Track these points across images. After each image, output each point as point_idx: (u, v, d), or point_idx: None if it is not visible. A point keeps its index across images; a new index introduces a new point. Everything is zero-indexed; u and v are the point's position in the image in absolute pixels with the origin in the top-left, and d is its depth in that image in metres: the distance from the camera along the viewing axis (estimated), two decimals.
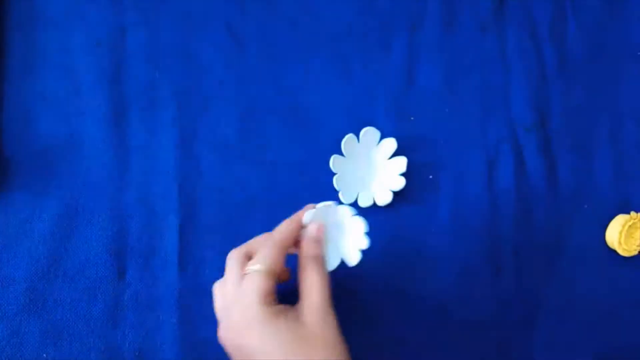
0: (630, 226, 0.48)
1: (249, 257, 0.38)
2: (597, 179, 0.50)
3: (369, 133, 0.46)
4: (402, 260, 0.46)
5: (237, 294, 0.36)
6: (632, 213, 0.48)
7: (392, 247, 0.46)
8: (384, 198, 0.46)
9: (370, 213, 0.46)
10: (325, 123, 0.48)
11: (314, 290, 0.36)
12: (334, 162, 0.45)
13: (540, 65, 0.51)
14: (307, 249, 0.38)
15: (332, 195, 0.45)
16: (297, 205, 0.45)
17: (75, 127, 0.46)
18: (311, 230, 0.39)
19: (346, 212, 0.40)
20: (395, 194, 0.46)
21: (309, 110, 0.48)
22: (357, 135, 0.46)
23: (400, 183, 0.46)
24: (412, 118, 0.48)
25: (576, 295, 0.47)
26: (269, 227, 0.45)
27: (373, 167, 0.47)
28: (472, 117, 0.49)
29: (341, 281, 0.45)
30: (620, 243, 0.48)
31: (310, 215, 0.39)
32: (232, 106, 0.47)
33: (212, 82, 0.47)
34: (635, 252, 0.48)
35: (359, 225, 0.40)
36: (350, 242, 0.41)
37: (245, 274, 0.36)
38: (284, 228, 0.38)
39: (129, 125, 0.46)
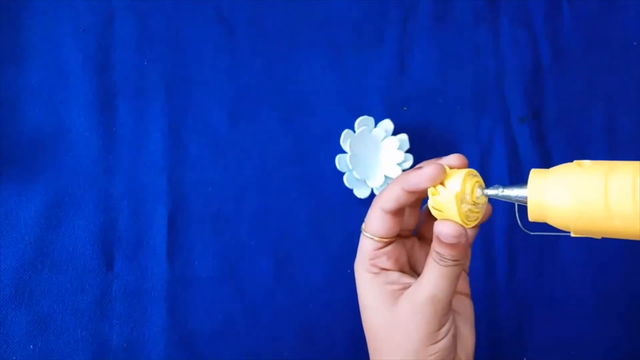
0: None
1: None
2: None
3: (366, 121, 0.46)
4: None
5: (358, 255, 0.34)
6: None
7: None
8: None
9: (362, 205, 0.45)
10: (316, 112, 0.47)
11: (427, 280, 0.31)
12: (343, 156, 0.45)
13: (534, 57, 0.50)
14: (434, 245, 0.31)
15: (325, 185, 0.45)
16: (289, 195, 0.45)
17: (62, 116, 0.45)
18: (443, 232, 0.30)
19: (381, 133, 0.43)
20: None
21: (300, 100, 0.47)
22: (351, 128, 0.46)
23: (409, 161, 0.46)
24: (404, 108, 0.48)
25: (570, 291, 0.47)
26: (259, 217, 0.45)
27: (378, 151, 0.47)
28: (466, 107, 0.49)
29: (331, 274, 0.45)
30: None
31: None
32: (222, 95, 0.47)
33: (202, 71, 0.47)
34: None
35: (394, 143, 0.43)
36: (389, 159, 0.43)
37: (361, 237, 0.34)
38: (386, 191, 0.33)
39: (117, 114, 0.45)
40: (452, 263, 0.31)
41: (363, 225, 0.34)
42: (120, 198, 0.44)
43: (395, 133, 0.47)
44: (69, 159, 0.44)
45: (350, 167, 0.45)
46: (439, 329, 0.32)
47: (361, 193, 0.45)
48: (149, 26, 0.47)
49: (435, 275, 0.31)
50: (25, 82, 0.45)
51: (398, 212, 0.33)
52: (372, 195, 0.46)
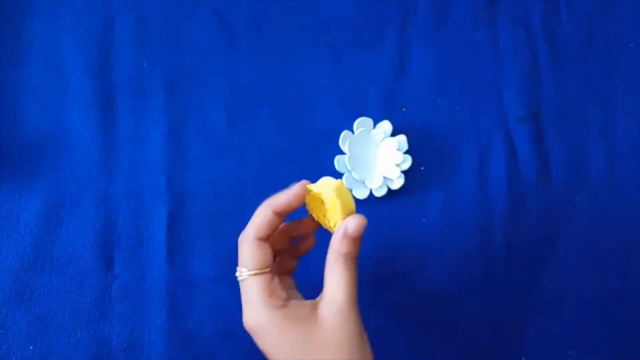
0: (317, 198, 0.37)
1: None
2: (589, 170, 0.49)
3: (364, 122, 0.46)
4: (392, 253, 0.46)
5: (243, 296, 0.35)
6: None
7: (382, 240, 0.46)
8: (398, 182, 0.46)
9: (361, 205, 0.45)
10: (316, 113, 0.48)
11: (339, 288, 0.33)
12: (341, 157, 0.45)
13: (532, 57, 0.50)
14: (340, 246, 0.33)
15: None
16: None
17: (62, 117, 0.45)
18: (351, 227, 0.33)
19: (380, 133, 0.44)
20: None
21: (299, 101, 0.48)
22: (350, 129, 0.46)
23: (408, 162, 0.46)
24: (403, 109, 0.48)
25: (568, 289, 0.47)
26: None
27: (377, 152, 0.47)
28: (464, 108, 0.49)
29: None
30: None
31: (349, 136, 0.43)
32: (222, 96, 0.47)
33: (202, 71, 0.47)
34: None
35: (393, 144, 0.44)
36: (388, 160, 0.44)
37: (240, 281, 0.34)
38: (257, 219, 0.35)
39: (117, 115, 0.45)
40: (354, 261, 0.34)
41: (241, 270, 0.34)
42: (120, 199, 0.44)
43: (394, 134, 0.47)
44: (69, 159, 0.44)
45: (349, 168, 0.45)
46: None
47: (360, 194, 0.46)
48: (148, 27, 0.47)
49: (349, 278, 0.33)
50: (25, 83, 0.45)
51: (268, 239, 0.35)
52: (371, 196, 0.46)
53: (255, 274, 0.34)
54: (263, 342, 0.33)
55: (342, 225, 0.34)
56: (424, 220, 0.47)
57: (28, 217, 0.43)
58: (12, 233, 0.43)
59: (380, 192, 0.46)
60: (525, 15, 0.51)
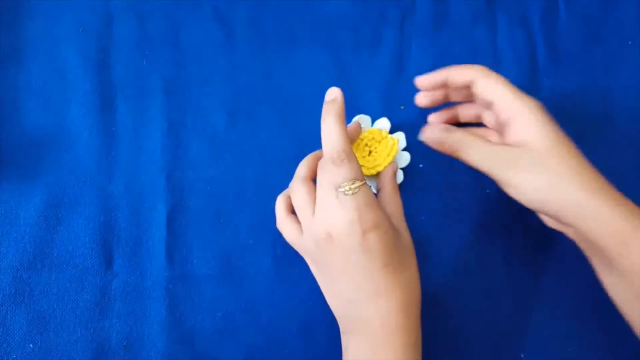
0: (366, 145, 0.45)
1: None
2: None
3: (362, 120, 0.46)
4: None
5: (353, 208, 0.35)
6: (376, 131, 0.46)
7: None
8: (397, 178, 0.46)
9: None
10: (315, 112, 0.47)
11: (393, 205, 0.41)
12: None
13: (531, 56, 0.51)
14: (387, 181, 0.43)
15: None
16: None
17: (62, 116, 0.45)
18: (389, 168, 0.44)
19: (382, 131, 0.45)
20: None
21: (299, 99, 0.48)
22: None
23: (406, 159, 0.46)
24: (402, 107, 0.48)
25: (568, 286, 0.47)
26: (258, 217, 0.45)
27: None
28: None
29: None
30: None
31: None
32: (222, 95, 0.47)
33: (201, 70, 0.47)
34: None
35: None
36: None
37: (350, 194, 0.35)
38: (337, 134, 0.37)
39: (116, 114, 0.45)
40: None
41: (354, 181, 0.36)
42: (120, 197, 0.44)
43: (392, 131, 0.47)
44: (68, 158, 0.44)
45: None
46: None
47: None
48: (148, 26, 0.47)
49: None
50: (24, 82, 0.45)
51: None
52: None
53: (365, 183, 0.36)
54: (374, 244, 0.35)
55: (390, 167, 0.44)
56: (422, 217, 0.47)
57: (27, 215, 0.43)
58: (11, 231, 0.43)
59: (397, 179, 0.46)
60: (525, 14, 0.51)
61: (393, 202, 0.41)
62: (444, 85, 0.42)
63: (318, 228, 0.36)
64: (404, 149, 0.47)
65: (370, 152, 0.45)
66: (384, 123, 0.47)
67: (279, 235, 0.42)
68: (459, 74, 0.41)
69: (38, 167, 0.44)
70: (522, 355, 0.46)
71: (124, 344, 0.42)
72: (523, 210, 0.48)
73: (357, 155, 0.42)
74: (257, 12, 0.49)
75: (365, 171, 0.44)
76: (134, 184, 0.44)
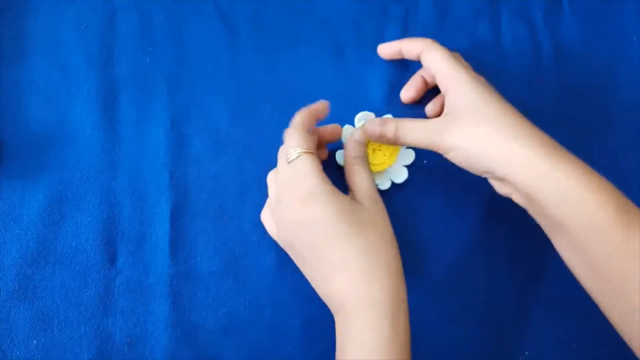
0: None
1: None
2: (591, 165, 0.49)
3: (366, 117, 0.46)
4: None
5: (292, 176, 0.37)
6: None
7: None
8: (401, 175, 0.46)
9: None
10: None
11: (363, 182, 0.40)
12: (342, 153, 0.45)
13: (534, 52, 0.51)
14: (351, 151, 0.42)
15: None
16: None
17: (65, 113, 0.45)
18: (355, 134, 0.42)
19: None
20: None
21: (302, 96, 0.47)
22: (352, 123, 0.46)
23: (410, 156, 0.46)
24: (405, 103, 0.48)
25: (572, 283, 0.47)
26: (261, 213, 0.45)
27: None
28: None
29: None
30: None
31: (350, 130, 0.44)
32: (225, 91, 0.47)
33: (204, 67, 0.47)
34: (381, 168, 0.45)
35: None
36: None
37: (291, 161, 0.37)
38: (300, 117, 0.40)
39: (119, 111, 0.45)
40: (366, 162, 0.43)
41: (295, 149, 0.38)
42: (123, 194, 0.44)
43: None
44: (71, 155, 0.44)
45: None
46: None
47: None
48: (151, 23, 0.47)
49: (369, 174, 0.41)
50: (28, 78, 0.45)
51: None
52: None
53: (310, 153, 0.37)
54: (315, 214, 0.35)
55: (351, 135, 0.42)
56: (425, 214, 0.47)
57: (31, 212, 0.43)
58: (15, 228, 0.43)
59: (384, 186, 0.46)
60: (528, 10, 0.51)
61: (357, 175, 0.40)
62: (400, 54, 0.45)
63: (276, 211, 0.38)
64: (408, 147, 0.47)
65: (374, 150, 0.45)
66: None
67: None
68: (410, 46, 0.44)
69: (41, 163, 0.44)
70: (526, 353, 0.45)
71: (128, 340, 0.42)
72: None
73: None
74: (260, 8, 0.49)
75: (371, 169, 0.44)
76: (138, 181, 0.44)
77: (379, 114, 0.47)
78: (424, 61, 0.42)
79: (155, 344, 0.42)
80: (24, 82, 0.45)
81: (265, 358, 0.43)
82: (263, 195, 0.45)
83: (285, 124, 0.47)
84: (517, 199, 0.39)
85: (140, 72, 0.46)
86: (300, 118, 0.40)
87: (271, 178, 0.41)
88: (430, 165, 0.47)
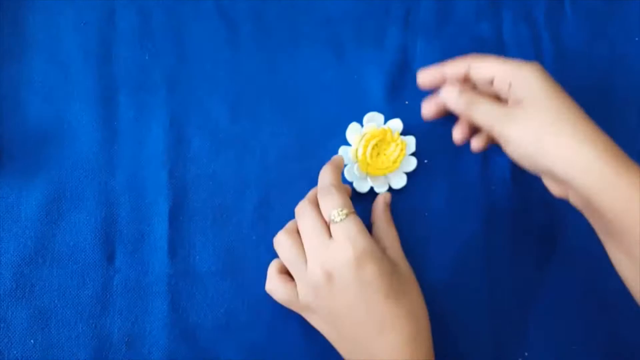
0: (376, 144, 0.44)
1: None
2: None
3: (374, 117, 0.46)
4: None
5: (344, 237, 0.36)
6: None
7: None
8: (400, 181, 0.46)
9: (363, 198, 0.45)
10: (318, 108, 0.47)
11: (395, 243, 0.41)
12: (343, 151, 0.45)
13: (536, 52, 0.50)
14: (381, 213, 0.43)
15: None
16: (290, 189, 0.45)
17: (63, 111, 0.45)
18: (386, 196, 0.44)
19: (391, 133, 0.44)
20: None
21: (302, 95, 0.47)
22: (360, 122, 0.46)
23: (412, 164, 0.46)
24: (406, 102, 0.48)
25: (572, 283, 0.47)
26: (261, 211, 0.45)
27: None
28: None
29: None
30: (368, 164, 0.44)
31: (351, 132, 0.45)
32: (224, 89, 0.47)
33: (203, 65, 0.47)
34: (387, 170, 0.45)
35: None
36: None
37: (338, 222, 0.37)
38: (332, 175, 0.40)
39: (118, 109, 0.45)
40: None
41: (343, 210, 0.37)
42: (122, 192, 0.44)
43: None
44: (70, 153, 0.44)
45: (353, 160, 0.45)
46: None
47: (361, 187, 0.45)
48: (150, 20, 0.47)
49: (395, 231, 0.44)
50: (26, 76, 0.45)
51: None
52: (372, 191, 0.46)
53: (355, 212, 0.38)
54: (371, 272, 0.36)
55: (381, 198, 0.44)
56: (426, 214, 0.46)
57: (29, 210, 0.43)
58: (13, 226, 0.43)
59: (381, 190, 0.46)
60: (529, 10, 0.51)
61: (390, 235, 0.42)
62: (443, 80, 0.43)
63: (315, 273, 0.36)
64: (412, 154, 0.46)
65: (379, 153, 0.45)
66: (396, 124, 0.46)
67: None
68: (454, 67, 0.41)
69: (39, 161, 0.44)
70: (526, 354, 0.45)
71: (126, 340, 0.42)
72: (528, 207, 0.48)
73: (365, 154, 0.44)
74: (261, 7, 0.48)
75: (373, 171, 0.44)
76: (136, 179, 0.44)
77: (379, 112, 0.46)
78: (475, 71, 0.40)
79: (153, 343, 0.42)
80: (22, 79, 0.45)
81: (263, 357, 0.43)
82: (262, 194, 0.45)
83: (285, 123, 0.47)
84: (575, 202, 0.38)
85: (140, 70, 0.46)
86: (333, 176, 0.40)
87: (292, 243, 0.39)
88: (430, 165, 0.47)
